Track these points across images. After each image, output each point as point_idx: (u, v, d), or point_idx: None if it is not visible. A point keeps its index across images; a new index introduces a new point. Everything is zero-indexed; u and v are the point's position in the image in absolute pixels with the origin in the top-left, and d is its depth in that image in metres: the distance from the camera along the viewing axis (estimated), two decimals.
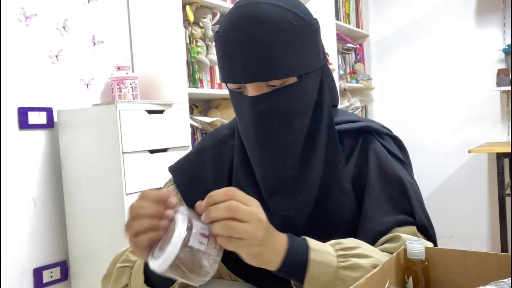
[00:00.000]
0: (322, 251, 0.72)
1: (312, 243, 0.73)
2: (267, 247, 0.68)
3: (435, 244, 0.82)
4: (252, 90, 0.81)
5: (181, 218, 0.63)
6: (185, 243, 0.61)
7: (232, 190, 0.66)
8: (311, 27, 0.83)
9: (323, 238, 0.79)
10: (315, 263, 0.70)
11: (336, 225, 0.85)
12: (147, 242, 0.65)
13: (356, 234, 0.82)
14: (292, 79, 0.81)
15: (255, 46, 0.77)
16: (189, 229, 0.62)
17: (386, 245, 0.78)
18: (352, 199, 0.85)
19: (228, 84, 0.86)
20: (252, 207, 0.66)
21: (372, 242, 0.80)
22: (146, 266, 0.80)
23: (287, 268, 0.70)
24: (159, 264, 0.61)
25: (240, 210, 0.64)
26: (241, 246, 0.65)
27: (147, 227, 0.65)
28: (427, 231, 0.83)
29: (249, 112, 0.82)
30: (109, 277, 0.88)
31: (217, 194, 0.65)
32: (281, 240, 0.71)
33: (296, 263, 0.70)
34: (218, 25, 0.86)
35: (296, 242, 0.73)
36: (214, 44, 0.90)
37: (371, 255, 0.73)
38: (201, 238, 0.62)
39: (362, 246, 0.74)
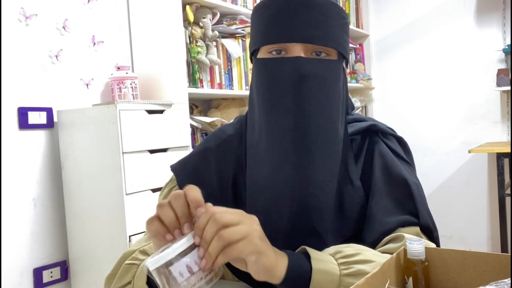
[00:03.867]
0: (324, 260, 0.71)
1: (312, 252, 0.72)
2: (270, 251, 0.67)
3: (438, 246, 0.82)
4: (299, 52, 0.82)
5: (190, 237, 0.65)
6: (176, 258, 0.62)
7: (210, 208, 0.65)
8: (348, 22, 0.89)
9: (338, 232, 0.79)
10: (318, 272, 0.69)
11: (347, 219, 0.85)
12: (159, 232, 0.67)
13: (361, 234, 0.83)
14: (334, 56, 0.85)
15: (315, 9, 0.81)
16: (183, 254, 0.63)
17: (389, 245, 0.78)
18: (362, 196, 0.86)
19: (262, 52, 0.85)
20: (237, 212, 0.66)
21: (376, 242, 0.80)
22: None
23: (291, 279, 0.69)
24: (150, 262, 0.62)
25: (226, 217, 0.64)
26: (244, 248, 0.64)
27: (170, 223, 0.67)
28: (430, 233, 0.83)
29: (294, 72, 0.81)
30: (113, 277, 0.87)
31: (199, 220, 0.65)
32: (280, 252, 0.71)
33: (300, 273, 0.69)
34: (219, 25, 0.86)
35: (295, 253, 0.72)
36: (254, 12, 0.88)
37: (373, 260, 0.72)
38: (185, 269, 0.63)
39: (363, 252, 0.73)
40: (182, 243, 0.64)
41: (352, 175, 0.86)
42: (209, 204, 0.67)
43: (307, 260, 0.71)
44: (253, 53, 0.89)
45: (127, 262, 0.86)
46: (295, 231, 0.80)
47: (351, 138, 0.90)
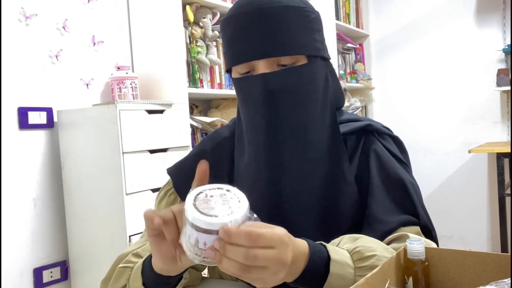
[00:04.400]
0: (342, 263, 0.69)
1: (333, 252, 0.69)
2: (290, 267, 0.63)
3: (437, 245, 0.82)
4: (263, 68, 0.82)
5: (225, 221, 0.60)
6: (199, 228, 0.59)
7: (255, 234, 0.58)
8: (317, 15, 0.87)
9: (330, 231, 0.79)
10: (335, 276, 0.68)
11: (341, 216, 0.85)
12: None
13: (360, 231, 0.82)
14: (303, 60, 0.83)
15: (270, 21, 0.80)
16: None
17: (394, 245, 0.78)
18: (355, 192, 0.86)
19: (233, 72, 0.86)
20: (275, 249, 0.60)
21: None
22: (144, 268, 0.80)
23: (304, 279, 0.67)
24: (192, 213, 0.59)
25: (258, 257, 0.58)
26: (252, 282, 0.61)
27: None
28: (429, 232, 0.83)
29: (260, 90, 0.82)
30: (108, 280, 0.87)
31: (239, 234, 0.58)
32: (302, 250, 0.67)
33: (315, 276, 0.67)
34: (219, 24, 0.87)
35: (317, 253, 0.68)
36: (220, 31, 0.90)
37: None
38: (194, 239, 0.60)
39: (377, 253, 0.71)
40: (214, 223, 0.58)
41: (345, 172, 0.86)
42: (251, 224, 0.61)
43: (327, 260, 0.68)
44: (228, 70, 0.91)
45: (120, 265, 0.85)
46: None
47: (345, 137, 0.90)
